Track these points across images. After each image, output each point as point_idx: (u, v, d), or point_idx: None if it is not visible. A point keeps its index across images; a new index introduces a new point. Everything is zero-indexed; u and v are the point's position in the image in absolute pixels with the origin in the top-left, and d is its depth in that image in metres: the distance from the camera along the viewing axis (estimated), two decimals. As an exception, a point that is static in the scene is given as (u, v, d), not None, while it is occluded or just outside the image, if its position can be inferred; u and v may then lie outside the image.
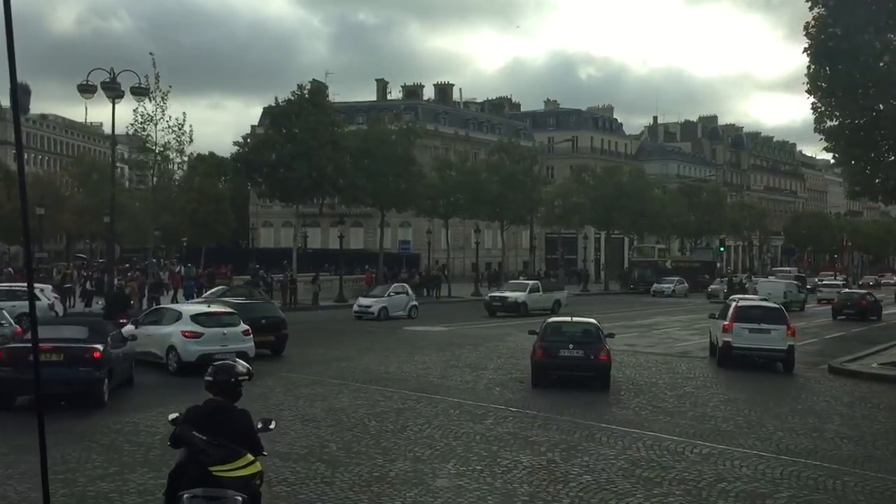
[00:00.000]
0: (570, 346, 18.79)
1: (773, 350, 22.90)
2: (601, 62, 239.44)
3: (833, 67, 25.01)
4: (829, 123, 26.09)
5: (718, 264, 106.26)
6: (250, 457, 6.46)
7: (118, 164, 65.27)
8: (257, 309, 23.38)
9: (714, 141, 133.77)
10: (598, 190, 72.16)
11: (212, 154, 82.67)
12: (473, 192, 58.30)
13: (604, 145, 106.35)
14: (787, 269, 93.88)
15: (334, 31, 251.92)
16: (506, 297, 41.78)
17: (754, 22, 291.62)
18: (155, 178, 41.63)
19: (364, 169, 49.37)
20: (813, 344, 31.18)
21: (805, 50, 25.83)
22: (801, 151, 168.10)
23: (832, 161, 28.28)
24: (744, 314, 23.42)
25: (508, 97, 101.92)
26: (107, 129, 41.20)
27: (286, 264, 50.05)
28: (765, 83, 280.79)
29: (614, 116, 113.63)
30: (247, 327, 20.44)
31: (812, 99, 25.97)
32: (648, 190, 75.05)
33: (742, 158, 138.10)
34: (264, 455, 6.77)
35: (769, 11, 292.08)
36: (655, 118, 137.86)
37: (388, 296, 38.84)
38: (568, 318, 21.34)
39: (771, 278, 61.46)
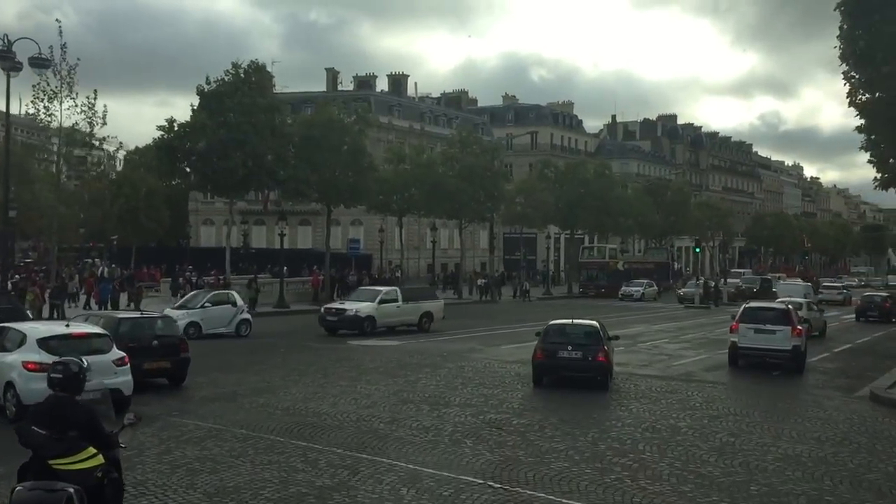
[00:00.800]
0: (570, 347, 18.79)
1: (778, 350, 22.64)
2: (553, 64, 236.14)
3: (871, 25, 19.98)
4: (863, 96, 21.10)
5: (678, 265, 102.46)
6: (92, 450, 6.57)
7: (51, 157, 59.03)
8: (147, 326, 17.50)
9: (674, 140, 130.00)
10: (562, 187, 67.24)
11: (149, 147, 75.81)
12: (430, 186, 52.80)
13: (564, 142, 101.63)
14: (742, 270, 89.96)
15: (286, 30, 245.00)
16: (344, 310, 30.63)
17: (703, 27, 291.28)
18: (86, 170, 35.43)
19: (308, 159, 43.54)
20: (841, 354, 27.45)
21: (837, 6, 20.83)
22: (756, 152, 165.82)
23: (862, 145, 23.42)
24: (750, 315, 23.43)
25: (465, 91, 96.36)
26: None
27: (214, 272, 43.99)
28: (713, 87, 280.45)
29: (574, 113, 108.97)
30: (121, 354, 14.68)
31: (844, 67, 20.98)
32: (614, 187, 70.29)
33: (701, 158, 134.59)
34: (122, 447, 6.99)
35: (717, 17, 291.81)
36: (614, 116, 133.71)
37: (203, 307, 28.87)
38: (569, 321, 20.23)
39: (789, 281, 59.44)
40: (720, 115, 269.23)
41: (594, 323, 20.30)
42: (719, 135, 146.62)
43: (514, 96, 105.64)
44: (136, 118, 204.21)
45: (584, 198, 67.12)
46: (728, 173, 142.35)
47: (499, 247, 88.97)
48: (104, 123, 35.27)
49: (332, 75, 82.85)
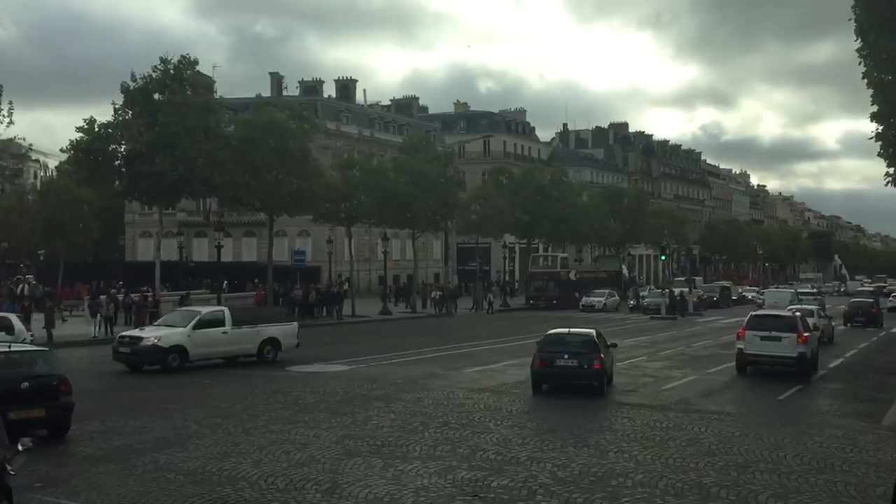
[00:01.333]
0: (566, 356, 19.08)
1: (784, 357, 22.65)
2: (499, 75, 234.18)
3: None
4: (881, 77, 18.01)
5: (633, 274, 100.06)
6: None
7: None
8: (14, 363, 13.32)
9: (626, 148, 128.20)
10: (518, 194, 64.04)
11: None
12: (380, 193, 49.03)
13: (517, 150, 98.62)
14: (681, 278, 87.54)
15: (231, 42, 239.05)
16: (139, 340, 23.13)
17: (645, 40, 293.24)
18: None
19: (247, 164, 39.55)
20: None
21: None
22: (705, 161, 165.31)
23: (874, 133, 20.42)
24: (756, 323, 23.57)
25: (416, 97, 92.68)
26: None
27: (144, 288, 39.62)
28: (657, 98, 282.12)
29: (527, 120, 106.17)
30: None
31: (859, 42, 17.86)
32: (571, 194, 67.32)
33: (653, 166, 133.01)
34: (11, 474, 6.87)
35: (658, 30, 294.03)
36: (565, 125, 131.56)
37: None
38: (566, 330, 21.09)
39: (778, 288, 62.74)
40: (664, 126, 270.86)
41: (591, 331, 20.53)
42: (669, 143, 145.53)
43: (466, 103, 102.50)
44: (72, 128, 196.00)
45: (541, 205, 64.02)
46: (679, 181, 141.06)
47: (452, 257, 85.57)
48: (11, 123, 30.85)
49: (277, 80, 78.61)
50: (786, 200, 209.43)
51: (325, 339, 32.91)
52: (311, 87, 78.81)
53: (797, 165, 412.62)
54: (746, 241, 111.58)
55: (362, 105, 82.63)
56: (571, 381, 19.10)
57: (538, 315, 50.80)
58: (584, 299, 57.06)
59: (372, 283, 70.88)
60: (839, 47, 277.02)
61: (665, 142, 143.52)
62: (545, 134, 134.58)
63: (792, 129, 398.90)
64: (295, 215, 46.35)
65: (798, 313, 25.45)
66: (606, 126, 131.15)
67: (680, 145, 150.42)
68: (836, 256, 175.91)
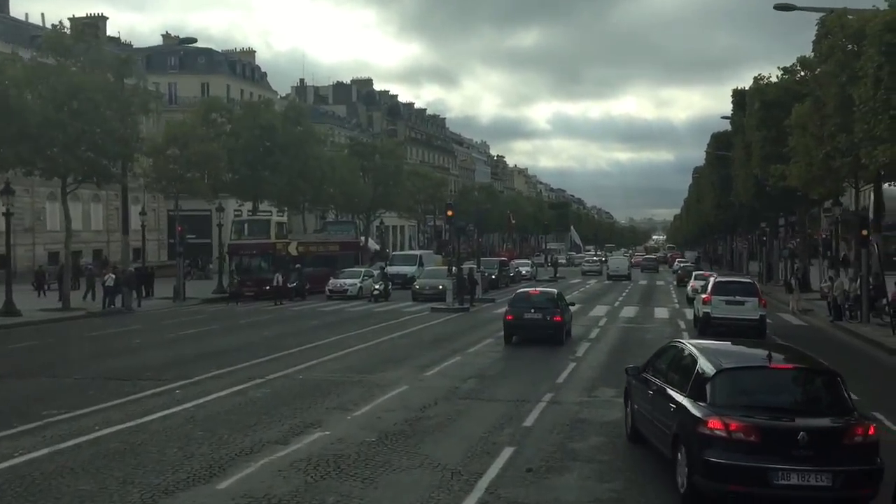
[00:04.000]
0: (532, 310, 21.84)
1: (747, 320, 23.26)
2: (221, 42, 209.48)
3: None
4: None
5: (382, 248, 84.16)
6: None
7: None
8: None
9: (370, 107, 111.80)
10: (239, 140, 44.87)
11: None
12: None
13: (245, 97, 78.24)
14: (417, 251, 73.73)
15: None
16: None
17: (369, 16, 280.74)
18: None
19: None
20: None
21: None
22: (449, 129, 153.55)
23: None
24: (721, 288, 24.50)
25: (105, 16, 68.31)
26: None
27: None
28: (384, 74, 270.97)
29: (257, 64, 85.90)
30: None
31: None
32: (312, 142, 49.15)
33: (399, 129, 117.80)
34: None
35: (382, 7, 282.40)
36: (303, 80, 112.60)
37: None
38: (533, 289, 24.13)
39: (617, 254, 71.23)
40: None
41: (553, 290, 24.27)
42: (415, 106, 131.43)
43: (178, 37, 80.00)
44: None
45: (271, 154, 45.34)
46: (426, 147, 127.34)
47: (157, 227, 64.02)
48: None
49: None
50: (521, 172, 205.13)
51: None
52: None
53: (514, 144, 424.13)
54: (501, 209, 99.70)
55: (22, 20, 58.43)
56: (537, 332, 21.51)
57: (237, 314, 32.26)
58: (332, 283, 39.45)
59: (38, 262, 48.66)
60: (545, 33, 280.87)
61: (411, 104, 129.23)
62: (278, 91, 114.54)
63: (508, 110, 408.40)
64: None
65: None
66: (349, 82, 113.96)
67: (425, 109, 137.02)
68: (572, 227, 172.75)
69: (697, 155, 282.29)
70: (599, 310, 33.38)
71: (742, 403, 8.58)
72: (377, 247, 78.26)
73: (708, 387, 8.70)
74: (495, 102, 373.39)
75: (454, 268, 34.28)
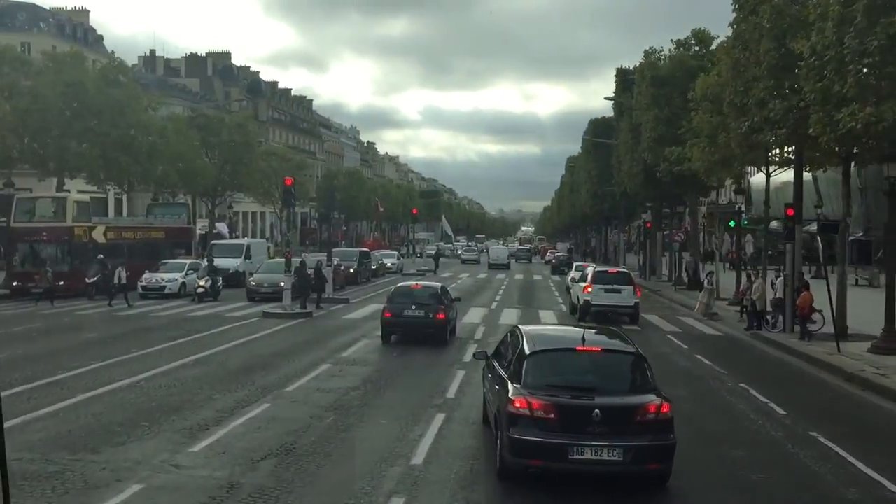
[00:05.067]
0: (413, 307, 19.51)
1: (624, 306, 24.96)
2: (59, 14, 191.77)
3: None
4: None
5: (231, 235, 75.72)
6: None
7: None
8: None
9: (228, 82, 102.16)
10: (37, 99, 36.05)
11: None
12: None
13: (75, 61, 67.80)
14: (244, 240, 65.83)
15: None
16: None
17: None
18: None
19: None
20: None
21: None
22: (317, 111, 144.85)
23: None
24: (600, 278, 25.87)
25: None
26: None
27: None
28: (250, 57, 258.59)
29: (91, 25, 75.22)
30: None
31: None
32: (135, 105, 40.65)
33: (260, 108, 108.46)
34: None
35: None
36: (153, 50, 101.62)
37: None
38: (414, 283, 21.94)
39: (498, 245, 71.97)
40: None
41: (436, 285, 21.73)
42: (279, 84, 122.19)
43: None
44: None
45: (80, 119, 36.84)
46: (290, 129, 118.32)
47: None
48: None
49: None
50: (392, 160, 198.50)
51: None
52: None
53: (385, 133, 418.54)
54: (368, 196, 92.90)
55: None
56: (418, 331, 19.43)
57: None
58: (147, 277, 31.45)
59: None
60: (413, 23, 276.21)
61: (275, 83, 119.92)
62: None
63: (379, 99, 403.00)
64: None
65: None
66: (205, 54, 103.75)
67: (290, 89, 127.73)
68: (443, 217, 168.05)
69: (564, 149, 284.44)
70: (474, 314, 27.20)
71: (551, 384, 8.91)
72: (227, 233, 69.86)
73: (522, 369, 9.03)
74: (366, 90, 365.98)
75: (294, 260, 27.05)
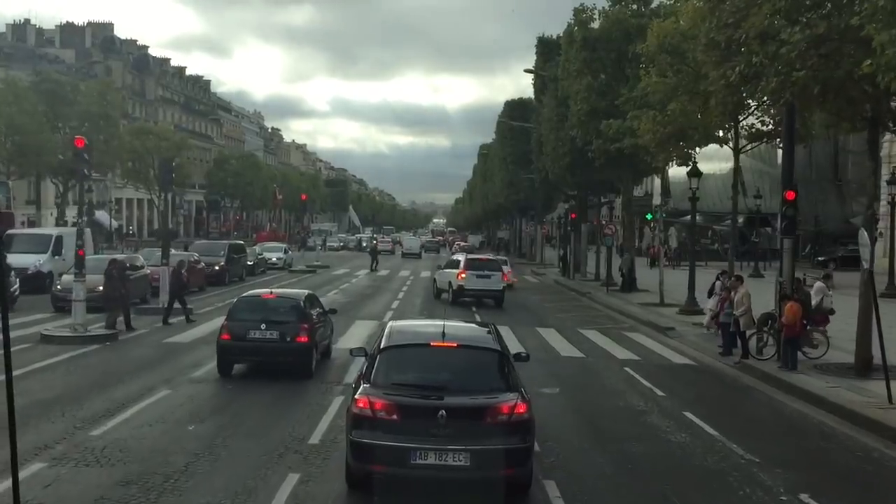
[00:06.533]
0: (263, 325, 13.81)
1: (493, 290, 27.65)
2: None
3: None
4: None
5: (110, 225, 66.24)
6: None
7: None
8: None
9: (110, 56, 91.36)
10: None
11: None
12: None
13: None
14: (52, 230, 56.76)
15: None
16: None
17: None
18: None
19: None
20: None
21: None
22: (216, 93, 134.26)
23: None
24: (472, 264, 28.43)
25: None
26: None
27: None
28: (150, 41, 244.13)
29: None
30: None
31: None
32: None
33: (148, 87, 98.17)
34: None
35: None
36: (27, 20, 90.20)
37: None
38: (266, 292, 15.56)
39: (410, 237, 77.01)
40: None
41: (299, 293, 15.75)
42: (171, 62, 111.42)
43: None
44: None
45: None
46: (183, 110, 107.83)
47: None
48: None
49: None
50: (299, 148, 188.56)
51: None
52: None
53: (292, 122, 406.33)
54: (265, 183, 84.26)
55: None
56: (269, 359, 13.92)
57: None
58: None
59: None
60: (318, 10, 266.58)
61: (166, 59, 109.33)
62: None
63: (286, 87, 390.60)
64: None
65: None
66: (84, 24, 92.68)
67: (185, 67, 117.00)
68: (350, 208, 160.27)
69: (473, 142, 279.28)
70: (358, 330, 19.96)
71: (399, 382, 8.06)
72: (107, 224, 60.50)
73: (373, 366, 8.20)
74: (273, 79, 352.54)
75: (97, 258, 19.13)
